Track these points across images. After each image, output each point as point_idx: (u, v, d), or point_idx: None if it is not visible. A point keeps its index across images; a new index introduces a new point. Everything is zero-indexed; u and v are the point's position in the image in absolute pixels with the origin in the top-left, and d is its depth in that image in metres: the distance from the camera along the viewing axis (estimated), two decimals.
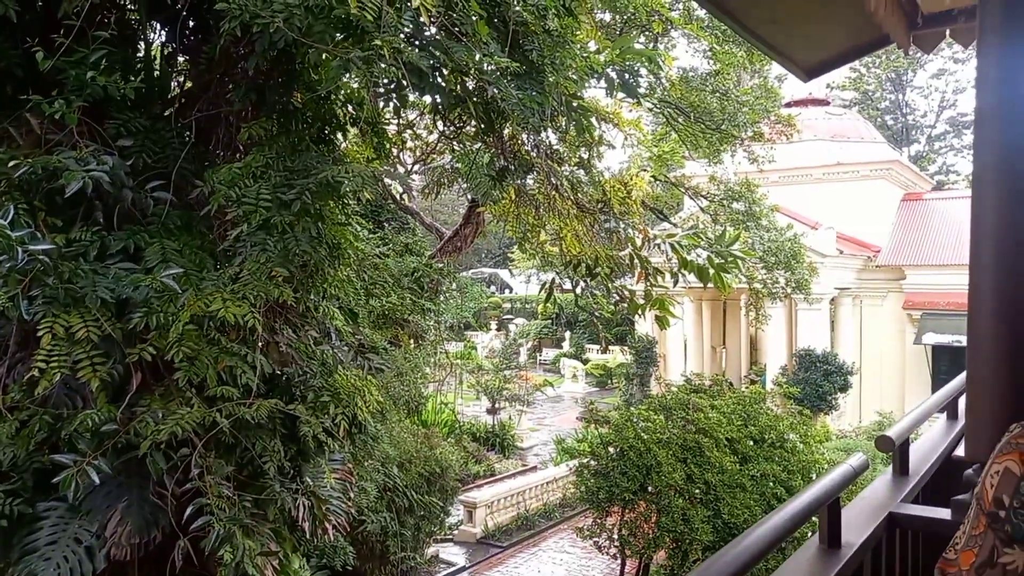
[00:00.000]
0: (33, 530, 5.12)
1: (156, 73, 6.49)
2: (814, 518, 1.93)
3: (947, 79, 46.83)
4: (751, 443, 9.66)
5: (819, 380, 21.40)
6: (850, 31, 3.19)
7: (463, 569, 12.25)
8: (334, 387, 6.05)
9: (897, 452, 2.79)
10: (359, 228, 9.51)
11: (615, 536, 9.18)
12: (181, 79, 6.78)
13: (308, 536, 6.08)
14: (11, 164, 4.58)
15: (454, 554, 12.46)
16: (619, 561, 9.58)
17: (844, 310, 25.21)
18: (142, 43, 6.50)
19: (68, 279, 4.24)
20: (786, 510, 1.69)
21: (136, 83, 5.43)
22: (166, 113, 6.38)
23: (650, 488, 9.01)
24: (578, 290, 9.79)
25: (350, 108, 6.36)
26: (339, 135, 6.92)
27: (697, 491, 8.64)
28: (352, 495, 6.89)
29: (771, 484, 9.22)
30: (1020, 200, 2.04)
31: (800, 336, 23.47)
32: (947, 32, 3.08)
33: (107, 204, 4.80)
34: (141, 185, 5.08)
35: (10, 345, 5.28)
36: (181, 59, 6.82)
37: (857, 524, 2.15)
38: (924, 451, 3.16)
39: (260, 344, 5.09)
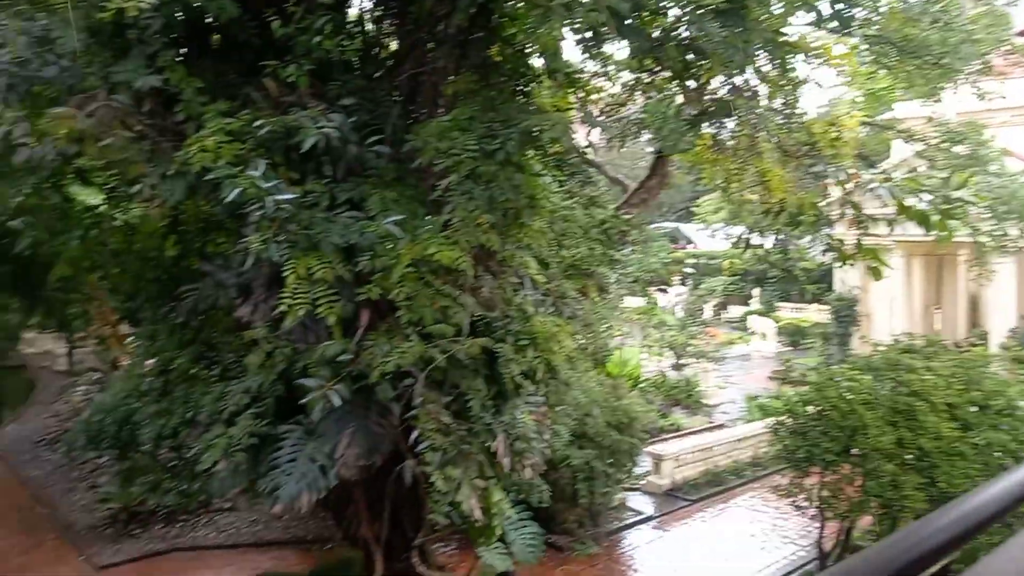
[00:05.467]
0: (276, 449, 5.86)
1: (368, 36, 6.92)
2: None
3: None
4: (974, 409, 8.78)
5: None
6: None
7: (650, 518, 12.36)
8: (532, 332, 6.28)
9: None
10: (551, 180, 9.64)
11: (815, 497, 8.82)
12: (389, 41, 7.21)
13: (507, 471, 6.43)
14: (256, 124, 5.14)
15: (641, 503, 12.59)
16: (818, 523, 9.21)
17: None
18: (353, 8, 6.93)
19: (307, 226, 4.74)
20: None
21: (354, 45, 5.83)
22: (378, 74, 6.83)
23: (854, 451, 8.51)
24: (773, 242, 9.32)
25: (544, 60, 6.43)
26: (535, 87, 7.04)
27: (909, 456, 8.04)
28: (547, 437, 7.15)
29: (997, 454, 8.35)
30: None
31: None
32: None
33: (334, 158, 5.28)
34: (362, 140, 5.51)
35: (254, 287, 6.01)
36: (388, 22, 7.22)
37: None
38: None
39: (467, 288, 5.40)
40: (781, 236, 9.08)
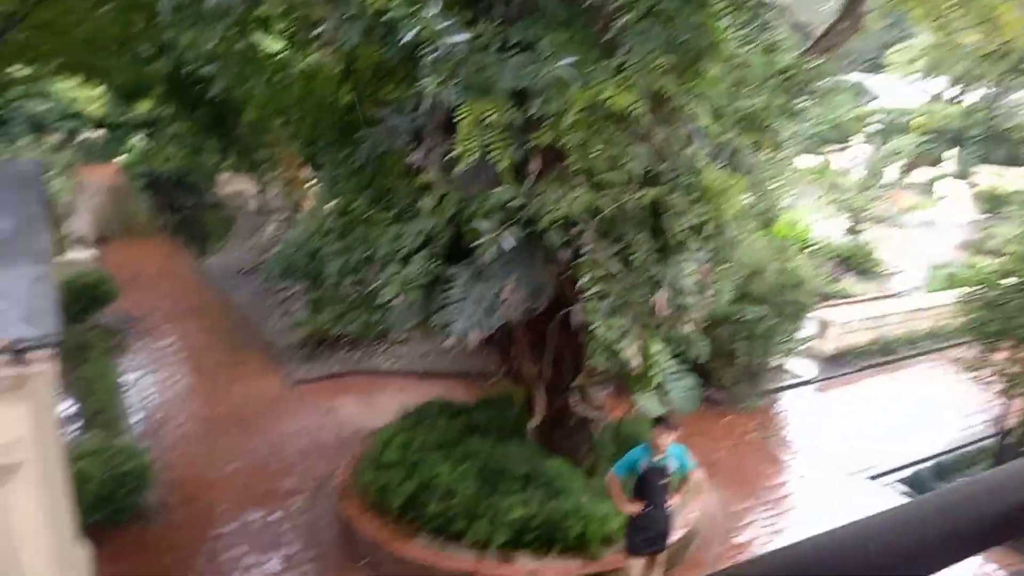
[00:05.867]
0: (447, 288, 6.20)
1: None
2: None
3: None
4: None
5: None
6: None
7: (810, 382, 12.11)
8: (702, 186, 6.04)
9: None
10: (730, 22, 8.88)
11: (1003, 372, 8.22)
12: None
13: (668, 324, 6.44)
14: None
15: (803, 367, 12.32)
16: (1001, 399, 8.61)
17: None
18: None
19: (479, 69, 4.69)
20: None
21: None
22: None
23: None
24: (982, 96, 8.17)
25: None
26: None
27: None
28: (709, 294, 7.03)
29: None
30: None
31: None
32: None
33: None
34: None
35: (426, 132, 6.14)
36: None
37: None
38: None
39: (640, 136, 5.21)
40: (994, 88, 7.91)
